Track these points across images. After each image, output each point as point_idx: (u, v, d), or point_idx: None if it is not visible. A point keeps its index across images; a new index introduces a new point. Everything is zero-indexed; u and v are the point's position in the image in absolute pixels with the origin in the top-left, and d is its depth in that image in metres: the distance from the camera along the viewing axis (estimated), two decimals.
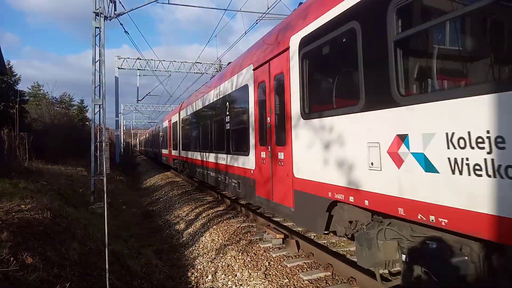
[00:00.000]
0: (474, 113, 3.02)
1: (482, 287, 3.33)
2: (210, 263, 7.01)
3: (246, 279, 5.77)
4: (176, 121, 19.96)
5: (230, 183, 9.71)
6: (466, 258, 3.50)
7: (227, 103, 9.95)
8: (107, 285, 4.48)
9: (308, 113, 5.68)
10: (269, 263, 6.17)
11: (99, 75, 12.16)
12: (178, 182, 19.73)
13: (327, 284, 5.16)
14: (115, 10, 13.44)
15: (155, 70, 32.37)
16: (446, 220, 3.30)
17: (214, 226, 9.05)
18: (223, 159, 10.26)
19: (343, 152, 4.74)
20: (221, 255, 7.08)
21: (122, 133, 57.22)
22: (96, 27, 12.18)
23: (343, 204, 5.08)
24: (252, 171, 8.02)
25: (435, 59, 3.70)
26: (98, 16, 12.21)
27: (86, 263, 5.56)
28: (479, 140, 2.97)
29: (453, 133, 3.20)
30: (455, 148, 3.18)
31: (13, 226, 5.22)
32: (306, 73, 5.79)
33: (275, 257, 6.39)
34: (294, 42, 6.06)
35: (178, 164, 20.31)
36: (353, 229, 5.22)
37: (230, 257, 6.81)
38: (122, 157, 41.79)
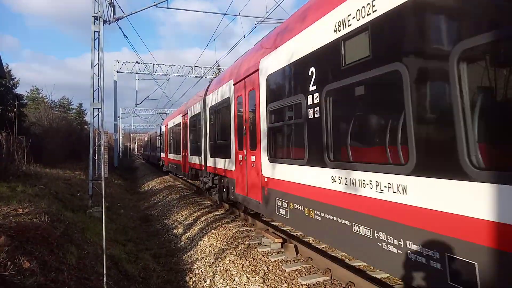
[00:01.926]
0: None
1: None
2: (208, 267, 6.98)
3: (244, 284, 5.75)
4: None
5: None
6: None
7: None
8: None
9: None
10: (267, 267, 6.15)
11: (98, 78, 12.16)
12: (176, 186, 19.70)
13: None
14: (114, 14, 13.46)
15: (154, 74, 32.44)
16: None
17: (213, 231, 9.02)
18: None
19: None
20: (220, 260, 7.06)
21: (120, 137, 57.12)
22: (95, 31, 12.20)
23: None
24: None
25: None
26: (97, 20, 12.23)
27: (84, 268, 5.53)
28: None
29: None
30: None
31: (10, 230, 5.20)
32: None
33: (273, 261, 6.38)
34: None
35: None
36: None
37: (228, 261, 6.79)
38: (121, 161, 41.70)
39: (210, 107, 11.74)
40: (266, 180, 7.04)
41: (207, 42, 17.68)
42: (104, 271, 4.64)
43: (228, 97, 9.52)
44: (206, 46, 19.25)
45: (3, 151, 11.50)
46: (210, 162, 11.65)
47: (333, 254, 6.46)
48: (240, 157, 8.56)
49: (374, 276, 5.35)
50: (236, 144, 8.88)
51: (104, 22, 12.53)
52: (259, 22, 15.36)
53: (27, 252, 4.75)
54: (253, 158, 7.72)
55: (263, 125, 7.03)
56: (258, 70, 7.35)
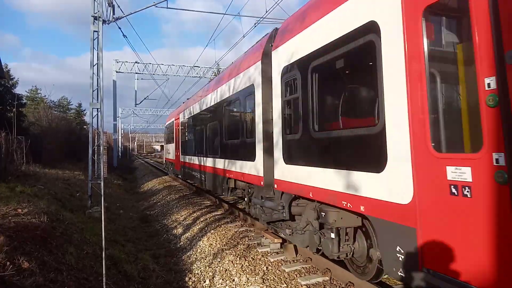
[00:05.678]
0: None
1: None
2: (207, 268, 6.98)
3: (244, 284, 5.75)
4: None
5: None
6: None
7: None
8: None
9: None
10: (267, 268, 6.15)
11: (97, 78, 12.15)
12: (175, 186, 19.69)
13: None
14: (113, 14, 13.44)
15: (153, 74, 32.42)
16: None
17: (212, 231, 9.02)
18: None
19: None
20: (219, 260, 7.06)
21: (120, 137, 57.11)
22: (94, 31, 12.18)
23: None
24: None
25: None
26: (97, 20, 12.21)
27: (83, 268, 5.53)
28: None
29: None
30: None
31: (9, 230, 5.19)
32: None
33: (273, 261, 6.38)
34: None
35: None
36: None
37: (228, 262, 6.79)
38: (120, 161, 41.70)
39: (167, 124, 23.72)
40: (183, 162, 17.16)
41: (211, 40, 17.73)
42: (103, 271, 4.63)
43: (172, 125, 20.62)
44: (206, 46, 19.26)
45: (2, 151, 11.49)
46: (170, 156, 22.96)
47: None
48: (176, 153, 19.45)
49: None
50: (175, 147, 19.61)
51: (104, 22, 12.50)
52: (258, 22, 15.38)
53: (26, 252, 4.75)
54: (178, 153, 18.56)
55: (181, 140, 17.61)
56: (179, 118, 17.99)
